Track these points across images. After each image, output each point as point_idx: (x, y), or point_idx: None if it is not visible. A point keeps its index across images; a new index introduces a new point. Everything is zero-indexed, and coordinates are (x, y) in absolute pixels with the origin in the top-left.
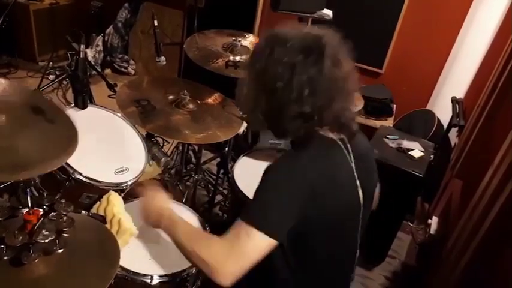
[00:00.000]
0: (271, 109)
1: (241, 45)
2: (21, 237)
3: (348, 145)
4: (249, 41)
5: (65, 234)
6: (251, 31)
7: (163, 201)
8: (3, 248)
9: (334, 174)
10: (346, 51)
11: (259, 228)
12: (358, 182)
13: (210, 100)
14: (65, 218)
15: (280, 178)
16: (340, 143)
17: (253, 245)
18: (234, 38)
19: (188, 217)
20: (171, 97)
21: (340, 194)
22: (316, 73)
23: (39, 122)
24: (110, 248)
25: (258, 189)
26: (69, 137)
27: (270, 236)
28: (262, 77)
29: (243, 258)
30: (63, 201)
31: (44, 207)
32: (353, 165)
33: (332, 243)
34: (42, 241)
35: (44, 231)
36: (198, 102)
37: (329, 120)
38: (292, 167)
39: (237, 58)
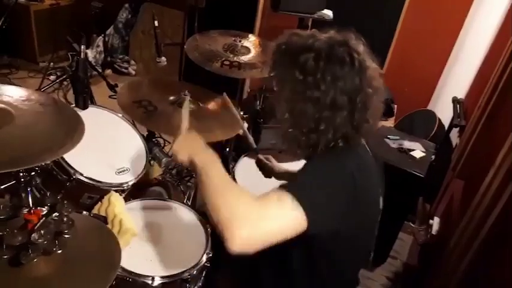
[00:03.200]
0: (320, 124)
1: (241, 46)
2: (20, 237)
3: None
4: (250, 41)
5: (65, 236)
6: (251, 31)
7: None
8: (2, 247)
9: (369, 173)
10: (366, 48)
11: (297, 197)
12: (380, 190)
13: (211, 105)
14: (65, 219)
15: (324, 169)
16: (367, 147)
17: (282, 213)
18: (234, 39)
19: (188, 218)
20: (171, 98)
21: (372, 195)
22: (364, 80)
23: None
24: (111, 248)
25: (301, 175)
26: (75, 125)
27: (305, 211)
28: (324, 100)
29: (264, 222)
30: (65, 202)
31: (46, 207)
32: (378, 171)
33: (357, 248)
34: (41, 241)
35: (43, 231)
36: (200, 104)
37: (376, 123)
38: (334, 159)
39: (235, 58)
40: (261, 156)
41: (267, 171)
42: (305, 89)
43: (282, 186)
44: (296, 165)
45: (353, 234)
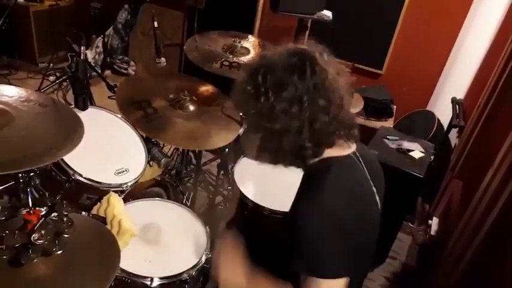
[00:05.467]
0: (292, 137)
1: (241, 46)
2: (20, 238)
3: (359, 156)
4: (250, 42)
5: (64, 236)
6: (251, 32)
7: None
8: (2, 247)
9: (358, 195)
10: (329, 53)
11: (333, 277)
12: (376, 193)
13: (204, 91)
14: (65, 219)
15: (316, 223)
16: (353, 156)
17: None
18: (234, 39)
19: (187, 218)
20: (171, 96)
21: (365, 213)
22: (319, 83)
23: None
24: (110, 249)
25: (299, 241)
26: (75, 125)
27: (342, 277)
28: (270, 111)
29: None
30: (64, 202)
31: (45, 207)
32: (368, 176)
33: (357, 260)
34: (41, 242)
35: (43, 232)
36: (195, 98)
37: (340, 128)
38: (320, 206)
39: (235, 59)
40: None
41: None
42: (248, 101)
43: (303, 274)
44: (290, 185)
45: (354, 250)
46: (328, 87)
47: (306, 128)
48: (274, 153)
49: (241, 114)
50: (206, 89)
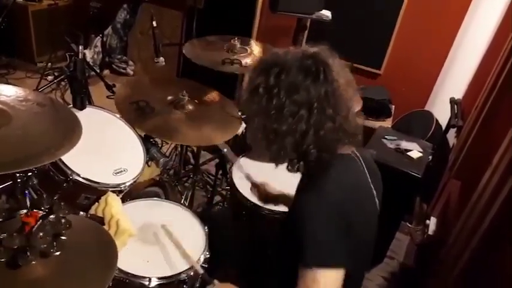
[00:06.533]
0: (296, 140)
1: (240, 46)
2: (18, 240)
3: (359, 155)
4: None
5: (62, 237)
6: (250, 32)
7: None
8: (0, 250)
9: (358, 193)
10: (341, 61)
11: (326, 266)
12: (374, 192)
13: (207, 98)
14: (63, 221)
15: (320, 214)
16: (353, 155)
17: (328, 284)
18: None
19: (186, 218)
20: (169, 97)
21: (365, 210)
22: (330, 91)
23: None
24: (108, 249)
25: (298, 229)
26: (73, 125)
27: (338, 267)
28: (279, 112)
29: None
30: (62, 203)
31: (43, 208)
32: (368, 176)
33: (357, 259)
34: (39, 243)
35: (41, 233)
36: (196, 101)
37: (344, 137)
38: (323, 199)
39: (235, 56)
40: (255, 182)
41: (262, 195)
42: (259, 100)
43: (302, 265)
44: (290, 185)
45: (355, 249)
46: (338, 96)
47: (311, 133)
48: (276, 153)
49: (245, 111)
50: (212, 96)
